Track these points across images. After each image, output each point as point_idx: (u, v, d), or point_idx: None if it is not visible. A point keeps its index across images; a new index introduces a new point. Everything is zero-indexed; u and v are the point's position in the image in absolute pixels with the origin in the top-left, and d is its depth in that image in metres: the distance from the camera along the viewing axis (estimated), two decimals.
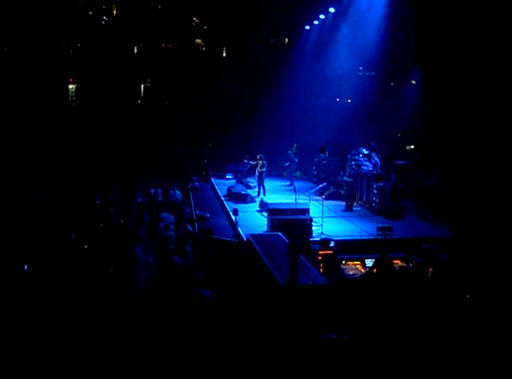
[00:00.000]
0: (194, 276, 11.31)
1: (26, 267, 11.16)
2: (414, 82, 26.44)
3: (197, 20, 41.69)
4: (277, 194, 23.22)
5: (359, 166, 21.06)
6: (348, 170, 21.12)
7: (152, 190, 21.20)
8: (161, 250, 13.05)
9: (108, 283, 10.89)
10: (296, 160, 25.73)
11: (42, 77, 35.06)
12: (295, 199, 17.64)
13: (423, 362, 7.98)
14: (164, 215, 16.21)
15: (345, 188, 21.02)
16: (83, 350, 8.18)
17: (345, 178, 20.92)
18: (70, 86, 39.33)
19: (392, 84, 29.56)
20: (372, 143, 22.57)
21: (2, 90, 31.90)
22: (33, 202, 17.68)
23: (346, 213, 19.88)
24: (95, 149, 30.06)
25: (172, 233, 14.43)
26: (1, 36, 34.80)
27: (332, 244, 15.09)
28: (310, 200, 18.48)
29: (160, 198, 20.28)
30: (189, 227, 15.77)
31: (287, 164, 25.76)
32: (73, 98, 39.26)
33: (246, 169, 26.23)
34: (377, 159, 20.84)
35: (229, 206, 20.59)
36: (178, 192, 21.16)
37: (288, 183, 25.39)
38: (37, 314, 9.18)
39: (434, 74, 7.33)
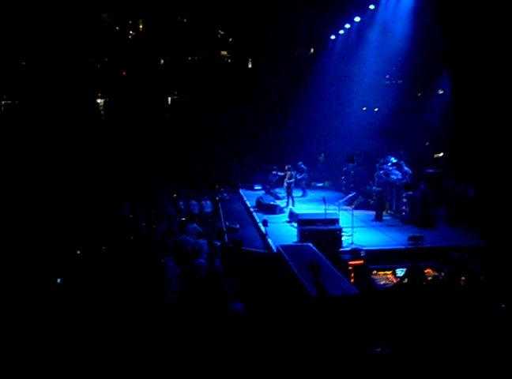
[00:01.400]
0: (225, 289, 11.31)
1: (59, 280, 11.29)
2: (442, 92, 26.24)
3: (222, 33, 41.96)
4: (306, 204, 23.17)
5: (387, 175, 20.96)
6: (376, 179, 21.04)
7: (181, 203, 21.28)
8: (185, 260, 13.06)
9: (138, 295, 10.95)
10: (305, 168, 25.47)
11: (71, 92, 35.55)
12: (325, 209, 17.58)
13: (458, 371, 7.90)
14: (193, 226, 16.25)
15: (374, 197, 20.92)
16: (113, 360, 8.24)
17: (374, 188, 20.81)
18: (99, 100, 39.81)
19: (419, 94, 29.37)
20: (401, 151, 22.45)
21: (32, 105, 32.41)
22: (66, 216, 17.90)
23: (376, 223, 19.77)
24: (124, 162, 30.33)
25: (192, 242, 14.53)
26: (30, 53, 35.37)
27: (362, 254, 15.03)
28: (339, 210, 18.41)
29: (196, 210, 20.34)
30: (216, 242, 15.54)
31: (300, 176, 25.17)
32: (102, 112, 39.72)
33: (274, 180, 26.20)
34: (406, 168, 20.73)
35: (258, 217, 20.60)
36: (209, 203, 21.26)
37: (301, 194, 25.23)
38: (69, 325, 9.28)
39: (463, 81, 7.29)
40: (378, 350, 7.90)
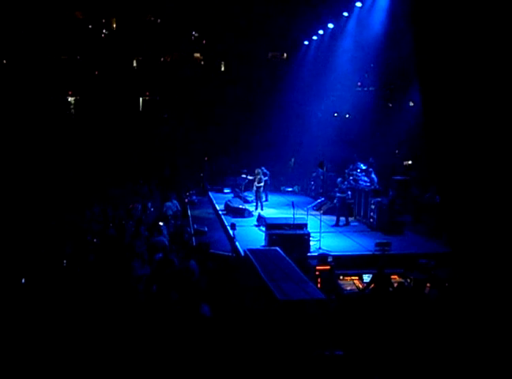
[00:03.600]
0: (198, 290, 11.27)
1: (24, 280, 11.15)
2: (412, 104, 26.48)
3: (196, 35, 41.92)
4: (275, 209, 23.20)
5: (356, 181, 21.05)
6: (339, 185, 20.79)
7: (150, 204, 21.15)
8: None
9: (105, 296, 10.86)
10: (268, 173, 25.04)
11: (41, 89, 35.19)
12: (293, 214, 17.61)
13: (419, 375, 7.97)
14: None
15: (336, 203, 20.82)
16: (79, 362, 8.15)
17: (338, 194, 20.58)
18: (69, 98, 39.48)
19: (390, 104, 29.63)
20: (370, 158, 22.57)
21: (3, 102, 31.98)
22: (31, 217, 17.68)
23: (344, 228, 19.82)
24: (93, 161, 30.10)
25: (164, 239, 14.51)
26: (1, 49, 34.95)
27: (330, 259, 15.06)
28: (308, 214, 18.45)
29: (170, 211, 20.17)
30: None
31: (266, 178, 24.21)
32: (72, 110, 39.39)
33: (243, 183, 26.15)
34: (374, 175, 20.80)
35: (227, 220, 20.56)
36: (175, 201, 21.14)
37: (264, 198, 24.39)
38: (35, 326, 9.17)
39: (432, 90, 7.38)
40: (340, 353, 7.94)
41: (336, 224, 20.05)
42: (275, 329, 9.60)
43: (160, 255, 12.94)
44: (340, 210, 20.30)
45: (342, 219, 20.32)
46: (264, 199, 24.21)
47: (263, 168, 24.61)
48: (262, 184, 23.13)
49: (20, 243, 14.02)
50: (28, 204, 19.56)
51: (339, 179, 20.78)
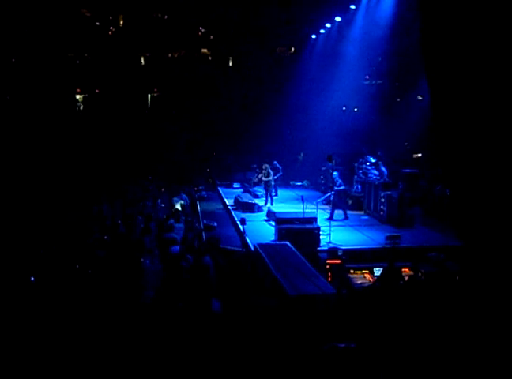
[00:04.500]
0: (211, 286, 11.24)
1: (33, 278, 11.14)
2: (420, 98, 26.37)
3: (203, 30, 41.91)
4: (285, 203, 23.17)
5: (366, 174, 20.98)
6: (335, 178, 20.45)
7: (159, 200, 21.16)
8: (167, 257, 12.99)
9: (115, 293, 10.85)
10: (280, 167, 25.12)
11: (49, 87, 35.27)
12: (303, 208, 17.58)
13: (430, 371, 7.92)
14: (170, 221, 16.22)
15: (332, 197, 20.52)
16: (88, 363, 8.14)
17: (336, 188, 20.27)
18: (77, 96, 39.57)
19: (398, 99, 29.53)
20: (379, 151, 22.49)
21: (10, 100, 32.10)
22: (40, 213, 17.71)
23: (354, 222, 19.73)
24: (101, 158, 30.14)
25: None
26: (9, 47, 35.04)
27: (340, 253, 15.04)
28: (317, 209, 18.41)
29: (180, 206, 20.15)
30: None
31: (276, 176, 24.34)
32: (81, 108, 39.48)
33: (253, 178, 26.14)
34: (383, 168, 20.67)
35: (236, 215, 20.55)
36: (184, 196, 21.14)
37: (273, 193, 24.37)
38: (44, 324, 9.16)
39: (441, 84, 7.32)
40: (341, 345, 7.90)
41: (345, 217, 19.97)
42: (285, 324, 9.58)
43: (171, 251, 12.93)
44: (338, 203, 20.05)
45: (339, 211, 20.14)
46: (274, 193, 24.20)
47: (275, 163, 24.69)
48: (271, 178, 23.09)
49: (29, 240, 14.04)
50: (37, 201, 19.60)
51: (335, 173, 20.49)
